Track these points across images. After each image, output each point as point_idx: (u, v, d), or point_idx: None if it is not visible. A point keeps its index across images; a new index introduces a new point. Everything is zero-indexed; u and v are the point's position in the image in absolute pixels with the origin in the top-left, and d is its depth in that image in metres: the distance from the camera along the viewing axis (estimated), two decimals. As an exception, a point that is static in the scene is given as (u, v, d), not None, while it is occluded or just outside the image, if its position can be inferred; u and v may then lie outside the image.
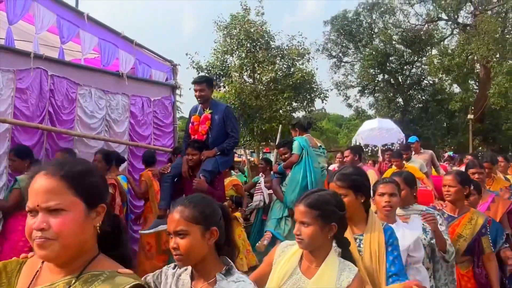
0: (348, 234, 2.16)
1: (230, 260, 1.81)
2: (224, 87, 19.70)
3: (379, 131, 9.93)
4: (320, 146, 5.85)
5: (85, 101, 5.74)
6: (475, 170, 4.31)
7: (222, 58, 19.50)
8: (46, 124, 5.26)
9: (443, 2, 23.63)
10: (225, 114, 4.83)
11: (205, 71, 19.54)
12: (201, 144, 4.75)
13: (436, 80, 25.33)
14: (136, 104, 6.55)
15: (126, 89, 6.33)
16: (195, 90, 4.85)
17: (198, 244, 1.70)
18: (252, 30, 18.27)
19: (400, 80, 26.49)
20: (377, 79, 26.58)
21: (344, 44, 26.82)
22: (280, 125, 11.59)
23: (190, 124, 5.01)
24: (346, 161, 5.75)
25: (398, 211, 2.99)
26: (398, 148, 8.45)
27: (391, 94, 26.58)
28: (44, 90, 5.21)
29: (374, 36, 25.81)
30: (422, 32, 24.54)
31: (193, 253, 1.69)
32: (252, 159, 19.64)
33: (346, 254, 2.05)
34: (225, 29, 19.20)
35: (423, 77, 26.13)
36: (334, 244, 2.06)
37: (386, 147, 10.00)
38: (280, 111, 18.86)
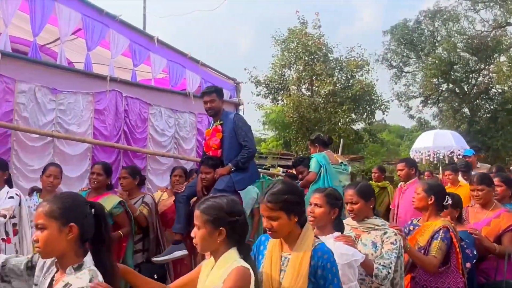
0: (276, 253, 2.18)
1: (88, 257, 1.83)
2: (282, 100, 19.79)
3: (434, 149, 9.22)
4: (342, 162, 5.45)
5: (156, 120, 6.02)
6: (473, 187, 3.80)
7: (280, 72, 19.62)
8: (122, 143, 5.55)
9: (511, 6, 22.45)
10: (234, 123, 4.35)
11: (263, 85, 19.75)
12: (215, 161, 4.32)
13: (506, 88, 23.98)
14: (203, 121, 6.77)
15: (193, 107, 6.56)
16: (205, 102, 4.46)
17: (55, 238, 1.74)
18: (309, 43, 18.26)
19: (466, 89, 25.32)
20: (440, 88, 25.57)
21: (405, 54, 26.08)
22: (342, 139, 11.44)
23: (204, 140, 4.69)
24: (400, 175, 5.29)
25: (353, 223, 2.95)
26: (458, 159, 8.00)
27: (456, 104, 25.43)
28: (120, 110, 5.51)
29: (437, 44, 24.91)
30: (489, 39, 23.39)
31: (49, 246, 1.75)
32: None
33: (249, 262, 2.01)
34: (283, 43, 19.33)
35: (491, 85, 24.80)
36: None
37: (447, 160, 9.46)
38: (339, 123, 18.63)
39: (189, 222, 4.32)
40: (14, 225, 3.53)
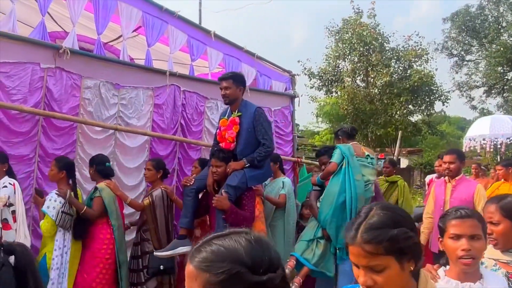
0: None
1: None
2: (336, 92, 19.49)
3: (490, 137, 8.33)
4: (368, 155, 4.97)
5: (212, 113, 6.11)
6: None
7: (334, 64, 19.32)
8: (179, 136, 5.70)
9: None
10: (254, 118, 4.05)
11: (317, 77, 19.53)
12: (227, 154, 4.03)
13: None
14: (258, 115, 6.78)
15: (251, 101, 6.57)
16: (220, 89, 4.18)
17: None
18: (364, 33, 17.82)
19: (534, 77, 23.79)
20: (506, 77, 24.15)
21: (466, 42, 24.84)
22: (400, 131, 11.08)
23: (218, 130, 4.36)
24: (449, 168, 4.53)
25: (498, 255, 2.09)
26: None
27: (523, 94, 23.97)
28: (177, 104, 5.65)
29: (502, 31, 23.49)
30: (560, 23, 21.79)
31: None
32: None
33: None
34: (337, 34, 19.01)
35: None
36: None
37: (503, 148, 8.72)
38: (396, 115, 18.10)
39: (197, 217, 4.30)
40: (13, 212, 3.69)
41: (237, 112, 4.12)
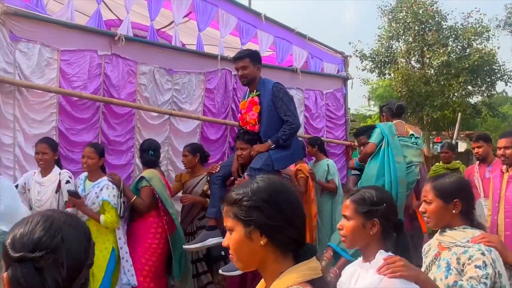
0: None
1: None
2: (390, 74, 18.86)
3: None
4: (413, 135, 4.49)
5: (264, 97, 6.08)
6: None
7: (387, 44, 18.66)
8: (229, 120, 5.72)
9: None
10: (273, 94, 3.76)
11: (369, 59, 18.97)
12: (252, 136, 3.80)
13: None
14: (310, 98, 6.70)
15: (300, 83, 6.51)
16: (237, 69, 3.91)
17: None
18: (420, 12, 17.04)
19: None
20: None
21: (532, 17, 23.21)
22: (459, 113, 10.57)
23: (239, 114, 4.15)
24: (505, 155, 3.58)
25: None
26: None
27: None
28: (229, 89, 5.67)
29: None
30: None
31: None
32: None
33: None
34: (390, 14, 18.31)
35: None
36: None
37: None
38: (454, 97, 17.28)
39: None
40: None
41: (256, 92, 3.88)
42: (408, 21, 17.27)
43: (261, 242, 1.20)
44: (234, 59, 3.94)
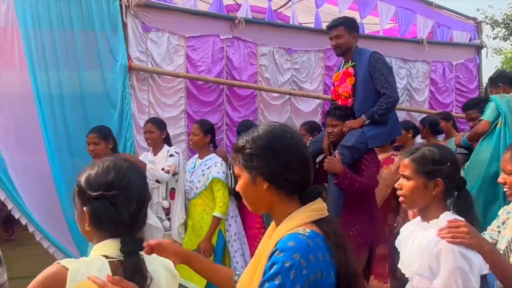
0: None
1: None
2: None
3: None
4: None
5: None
6: None
7: (525, 8, 16.54)
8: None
9: None
10: (370, 65, 3.38)
11: (502, 25, 17.00)
12: (345, 111, 3.43)
13: None
14: (437, 70, 6.21)
15: (426, 55, 6.06)
16: (330, 39, 3.54)
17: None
18: None
19: None
20: None
21: None
22: None
23: (332, 87, 3.80)
24: None
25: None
26: None
27: None
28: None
29: None
30: None
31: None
32: None
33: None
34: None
35: None
36: None
37: None
38: None
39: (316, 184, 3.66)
40: (177, 181, 3.65)
41: (351, 63, 3.51)
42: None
43: (264, 186, 1.28)
44: (328, 28, 3.60)
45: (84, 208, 1.24)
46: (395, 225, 3.87)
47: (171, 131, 4.06)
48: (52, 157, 3.70)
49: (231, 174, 3.69)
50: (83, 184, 1.25)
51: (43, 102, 3.70)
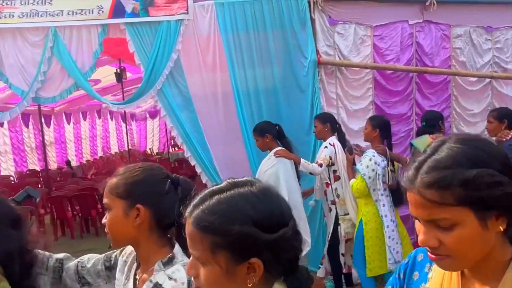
0: None
1: (175, 245, 1.29)
2: None
3: None
4: None
5: None
6: None
7: None
8: None
9: None
10: None
11: None
12: None
13: None
14: None
15: None
16: None
17: (119, 221, 1.30)
18: None
19: None
20: None
21: None
22: None
23: None
24: None
25: None
26: None
27: None
28: None
29: None
30: None
31: (114, 232, 1.31)
32: None
33: None
34: None
35: None
36: None
37: None
38: None
39: None
40: (334, 171, 3.69)
41: None
42: None
43: (500, 227, 0.85)
44: None
45: (253, 260, 0.84)
46: None
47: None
48: (250, 149, 4.02)
49: (388, 171, 3.55)
50: (247, 227, 0.84)
51: (241, 98, 4.04)
